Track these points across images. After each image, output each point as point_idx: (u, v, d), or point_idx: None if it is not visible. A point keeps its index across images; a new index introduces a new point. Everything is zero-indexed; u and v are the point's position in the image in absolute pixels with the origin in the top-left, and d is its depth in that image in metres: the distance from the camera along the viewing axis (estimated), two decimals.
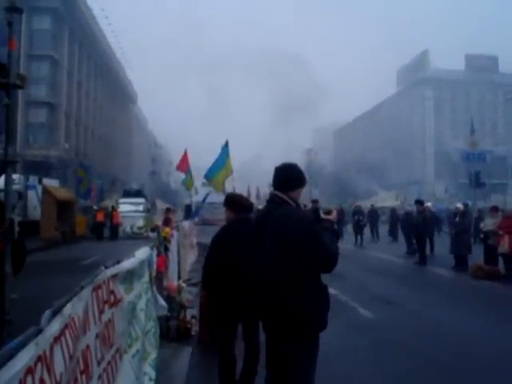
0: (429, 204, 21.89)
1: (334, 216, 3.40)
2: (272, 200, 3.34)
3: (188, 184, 17.19)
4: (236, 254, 4.24)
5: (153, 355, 4.20)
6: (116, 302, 3.06)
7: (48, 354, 1.78)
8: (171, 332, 6.45)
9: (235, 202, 4.68)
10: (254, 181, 51.69)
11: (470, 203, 24.91)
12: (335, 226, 3.41)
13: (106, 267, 2.93)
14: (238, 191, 13.29)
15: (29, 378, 1.57)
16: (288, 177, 3.35)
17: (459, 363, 5.65)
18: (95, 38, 50.98)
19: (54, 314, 1.91)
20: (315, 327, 3.15)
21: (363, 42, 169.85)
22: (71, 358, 2.06)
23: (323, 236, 3.10)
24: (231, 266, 4.26)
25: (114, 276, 3.06)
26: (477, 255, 13.49)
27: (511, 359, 5.83)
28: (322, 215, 3.37)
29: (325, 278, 3.23)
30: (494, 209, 13.56)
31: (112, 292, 2.98)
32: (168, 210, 18.72)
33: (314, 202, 16.18)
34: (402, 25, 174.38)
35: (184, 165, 16.03)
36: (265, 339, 3.34)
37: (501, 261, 12.40)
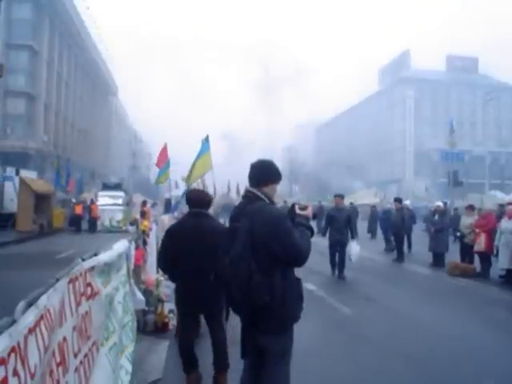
0: (407, 202, 22.12)
1: (308, 212, 3.42)
2: (246, 196, 3.40)
3: (162, 179, 16.95)
4: (183, 246, 4.46)
5: (130, 349, 4.18)
6: (93, 295, 3.04)
7: (22, 345, 1.76)
8: (149, 326, 6.44)
9: (192, 198, 4.86)
10: (234, 176, 51.60)
11: (448, 202, 25.23)
12: (310, 222, 3.43)
13: (83, 259, 2.90)
14: (218, 187, 13.27)
15: (1, 369, 1.55)
16: (261, 173, 3.40)
17: (435, 359, 5.73)
18: (76, 28, 50.29)
19: (29, 305, 1.88)
20: (287, 320, 3.21)
21: (346, 40, 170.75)
22: (46, 349, 2.04)
23: (293, 232, 3.15)
24: (180, 259, 4.48)
25: (91, 268, 3.03)
26: (453, 253, 13.69)
27: (484, 355, 5.93)
28: (298, 211, 3.39)
29: (304, 274, 3.26)
30: (470, 207, 13.73)
31: (89, 284, 2.95)
32: (144, 203, 18.58)
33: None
34: (385, 24, 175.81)
35: (162, 160, 15.89)
36: (240, 331, 3.36)
37: (477, 259, 12.59)
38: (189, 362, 4.58)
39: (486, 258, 12.09)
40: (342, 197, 12.43)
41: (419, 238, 18.10)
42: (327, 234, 12.05)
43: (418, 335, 6.81)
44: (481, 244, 12.00)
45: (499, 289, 10.69)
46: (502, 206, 18.81)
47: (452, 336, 6.79)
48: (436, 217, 14.37)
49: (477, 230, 12.24)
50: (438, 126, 61.47)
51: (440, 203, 15.86)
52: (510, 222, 11.07)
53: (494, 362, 5.71)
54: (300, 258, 3.13)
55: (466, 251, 13.07)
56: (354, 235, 11.58)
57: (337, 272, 11.55)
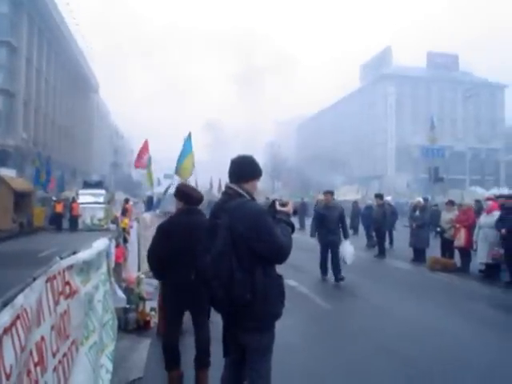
0: (389, 198, 22.27)
1: (289, 208, 3.42)
2: (226, 192, 3.38)
3: (150, 178, 16.98)
4: (178, 244, 4.35)
5: (110, 347, 4.16)
6: (72, 294, 3.01)
7: None
8: (130, 324, 6.41)
9: (183, 193, 4.74)
10: (216, 173, 51.56)
11: (429, 198, 25.46)
12: (291, 218, 3.43)
13: (61, 258, 2.88)
14: (200, 184, 13.27)
15: None
16: (242, 169, 3.38)
17: (416, 352, 5.80)
18: (55, 24, 49.66)
19: (4, 304, 1.87)
20: (269, 317, 3.21)
21: (327, 36, 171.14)
22: (23, 349, 2.02)
23: (274, 228, 3.15)
24: (174, 256, 4.37)
25: (70, 267, 3.01)
26: (434, 248, 13.84)
27: (464, 348, 6.01)
28: (278, 207, 3.39)
29: (285, 270, 3.27)
30: (450, 203, 13.91)
31: (68, 283, 2.93)
32: (126, 201, 18.47)
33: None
34: (367, 20, 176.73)
35: (139, 160, 15.80)
36: (222, 328, 3.36)
37: (457, 254, 12.75)
38: (172, 359, 4.54)
39: (466, 252, 12.25)
40: (331, 193, 11.40)
41: (400, 233, 18.23)
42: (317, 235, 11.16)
43: (398, 329, 6.88)
44: (461, 239, 12.14)
45: (479, 283, 10.83)
46: (478, 201, 19.07)
47: (433, 330, 6.87)
48: (417, 212, 14.50)
49: (457, 225, 12.39)
50: (419, 123, 61.86)
51: (421, 199, 16.03)
52: (489, 217, 11.22)
53: (474, 354, 5.79)
54: (281, 254, 3.13)
55: (447, 246, 13.23)
56: (346, 235, 10.81)
57: (327, 276, 10.77)
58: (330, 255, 10.76)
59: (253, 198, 3.33)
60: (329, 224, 10.69)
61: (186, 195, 4.70)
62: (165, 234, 4.55)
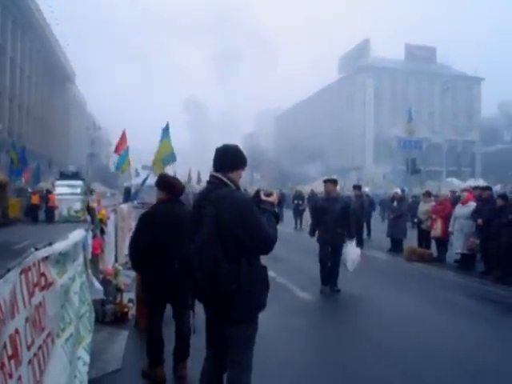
0: (366, 189, 22.44)
1: (274, 198, 3.40)
2: (211, 181, 3.33)
3: (124, 167, 16.74)
4: (163, 234, 4.29)
5: (87, 339, 4.11)
6: (47, 285, 2.96)
7: None
8: (107, 316, 6.36)
9: (166, 182, 4.69)
10: (194, 164, 51.34)
11: (406, 189, 25.74)
12: (276, 209, 3.42)
13: (37, 249, 2.83)
14: (179, 176, 13.21)
15: None
16: (227, 158, 3.33)
17: (394, 341, 5.90)
18: (31, 12, 48.72)
19: None
20: (254, 308, 3.19)
21: (306, 27, 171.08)
22: None
23: (261, 218, 3.12)
24: (158, 246, 4.30)
25: (45, 258, 2.96)
26: (411, 239, 14.00)
27: (438, 337, 6.11)
28: (263, 197, 3.37)
29: (264, 260, 3.25)
30: (427, 194, 14.10)
31: (43, 275, 2.88)
32: (90, 193, 18.23)
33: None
34: (346, 12, 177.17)
35: (121, 147, 15.63)
36: (205, 319, 3.34)
37: (433, 244, 12.93)
38: (157, 355, 4.49)
39: (443, 243, 12.43)
40: (334, 182, 9.12)
41: (378, 224, 18.40)
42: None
43: (375, 319, 6.96)
44: (437, 230, 12.31)
45: (454, 273, 11.02)
46: (453, 192, 19.33)
47: (409, 318, 6.98)
48: (394, 203, 14.65)
49: (433, 216, 12.55)
50: (397, 115, 62.35)
51: (398, 190, 16.19)
52: (464, 208, 11.39)
53: (449, 343, 5.89)
54: (267, 244, 3.12)
55: (423, 237, 13.43)
56: (351, 233, 8.73)
57: (327, 286, 8.70)
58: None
59: (238, 188, 3.30)
60: (328, 220, 8.54)
61: (170, 185, 4.65)
62: (149, 222, 4.49)
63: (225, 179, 3.23)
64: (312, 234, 9.08)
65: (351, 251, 8.68)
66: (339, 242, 8.60)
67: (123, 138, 15.77)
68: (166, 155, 14.07)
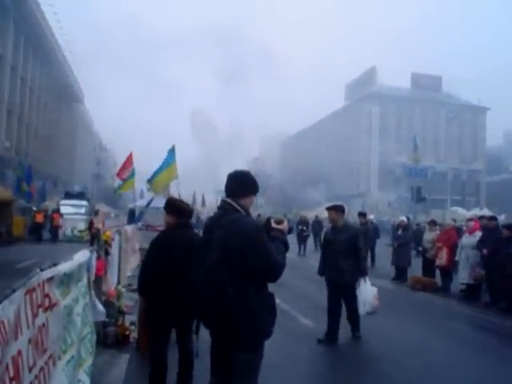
0: (371, 216, 22.40)
1: (284, 226, 3.39)
2: (222, 207, 3.35)
3: (125, 187, 16.70)
4: (175, 259, 4.25)
5: (88, 362, 4.08)
6: (51, 306, 2.95)
7: None
8: (109, 338, 6.30)
9: (175, 207, 4.66)
10: (199, 187, 51.46)
11: (411, 217, 25.64)
12: (286, 237, 3.40)
13: (42, 270, 2.82)
14: (183, 198, 13.17)
15: None
16: (239, 184, 3.35)
17: (397, 372, 5.79)
18: (42, 33, 49.36)
19: None
20: (260, 335, 3.16)
21: (314, 54, 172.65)
22: None
23: (270, 246, 3.12)
24: (170, 272, 4.26)
25: (50, 279, 2.94)
26: (416, 267, 13.89)
27: (445, 367, 6.01)
28: (273, 225, 3.35)
29: (270, 288, 3.23)
30: (432, 222, 14.04)
31: (47, 295, 2.87)
32: (96, 213, 18.27)
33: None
34: (352, 40, 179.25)
35: (123, 171, 15.66)
36: (209, 345, 3.31)
37: (438, 273, 12.81)
38: (161, 381, 4.40)
39: (447, 272, 12.33)
40: (339, 209, 7.39)
41: (382, 252, 18.28)
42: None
43: (380, 349, 6.87)
44: (442, 259, 12.22)
45: (459, 303, 10.90)
46: (454, 220, 19.23)
47: (414, 349, 6.87)
48: (399, 231, 14.58)
49: (439, 245, 12.47)
50: (402, 143, 62.48)
51: (404, 218, 16.14)
52: (471, 238, 11.32)
53: (454, 374, 5.80)
54: (274, 272, 3.10)
55: (428, 266, 13.30)
56: (362, 270, 7.23)
57: (335, 333, 7.10)
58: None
59: (248, 214, 3.31)
60: (330, 254, 7.32)
61: (179, 209, 4.63)
62: (159, 249, 4.45)
63: (236, 205, 3.25)
64: (320, 272, 7.65)
65: (363, 291, 7.14)
66: (346, 281, 7.03)
67: (129, 161, 15.85)
68: (171, 180, 14.07)
